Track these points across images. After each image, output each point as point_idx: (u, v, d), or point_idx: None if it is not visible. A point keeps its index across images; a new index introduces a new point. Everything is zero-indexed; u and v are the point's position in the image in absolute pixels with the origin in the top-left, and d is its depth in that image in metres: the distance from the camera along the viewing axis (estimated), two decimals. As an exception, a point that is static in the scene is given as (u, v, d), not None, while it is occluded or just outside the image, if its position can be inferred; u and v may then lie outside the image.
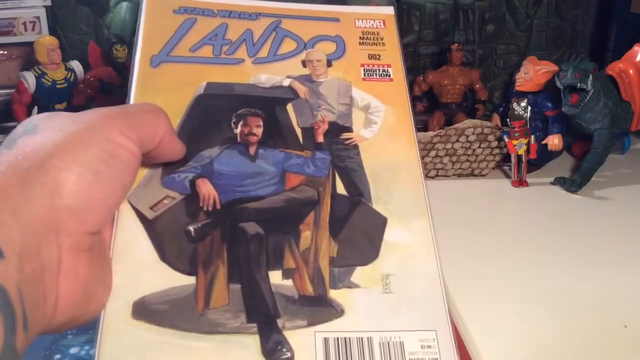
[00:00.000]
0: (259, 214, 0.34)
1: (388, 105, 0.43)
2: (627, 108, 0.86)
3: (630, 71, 0.85)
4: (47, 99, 0.85)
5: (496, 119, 0.97)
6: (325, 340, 0.30)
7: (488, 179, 0.91)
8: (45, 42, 0.83)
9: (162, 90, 0.39)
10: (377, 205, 0.36)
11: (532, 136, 0.88)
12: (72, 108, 0.87)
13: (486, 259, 0.66)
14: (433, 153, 0.88)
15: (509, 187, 0.87)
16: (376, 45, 0.47)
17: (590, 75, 0.83)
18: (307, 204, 0.36)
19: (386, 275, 0.33)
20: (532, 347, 0.50)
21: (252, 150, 0.37)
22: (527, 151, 0.87)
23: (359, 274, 0.33)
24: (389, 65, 0.46)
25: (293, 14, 0.47)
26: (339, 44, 0.47)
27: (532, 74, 0.90)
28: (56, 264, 0.26)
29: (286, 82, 0.43)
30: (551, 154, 0.90)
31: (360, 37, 0.47)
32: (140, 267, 0.31)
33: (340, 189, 0.37)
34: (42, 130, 0.28)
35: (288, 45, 0.46)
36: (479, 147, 0.88)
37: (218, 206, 0.34)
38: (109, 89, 0.87)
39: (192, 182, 0.34)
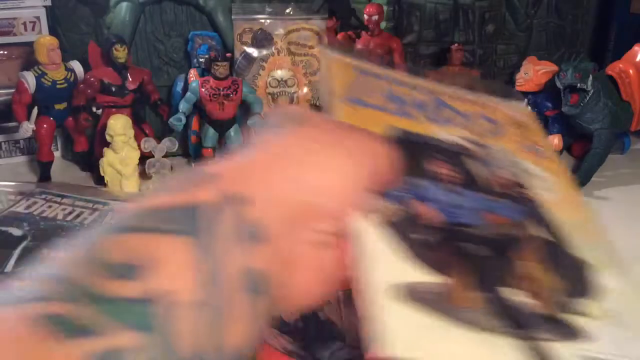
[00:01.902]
0: (476, 239, 0.37)
1: (553, 175, 0.48)
2: (627, 108, 0.86)
3: (630, 71, 0.85)
4: (47, 99, 0.85)
5: (496, 119, 0.97)
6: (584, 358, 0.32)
7: (488, 179, 0.91)
8: (45, 42, 0.83)
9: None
10: (572, 251, 0.40)
11: (532, 136, 0.88)
12: (72, 108, 0.87)
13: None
14: (433, 153, 0.88)
15: (509, 187, 0.87)
16: (527, 131, 0.52)
17: (590, 75, 0.83)
18: (512, 239, 0.39)
19: (608, 309, 0.36)
20: None
21: (451, 187, 0.40)
22: (527, 151, 0.87)
23: (582, 304, 0.36)
24: (542, 146, 0.51)
25: (451, 96, 0.53)
26: (497, 124, 0.52)
27: (532, 74, 0.90)
28: (299, 255, 0.27)
29: (461, 141, 0.48)
30: (551, 154, 0.90)
31: (513, 124, 0.53)
32: (389, 261, 0.33)
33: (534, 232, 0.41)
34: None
35: (451, 114, 0.51)
36: (479, 147, 0.88)
37: (437, 224, 0.36)
38: (109, 89, 0.87)
39: (407, 201, 0.37)
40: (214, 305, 0.24)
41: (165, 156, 0.86)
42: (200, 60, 0.91)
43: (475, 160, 0.46)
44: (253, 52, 0.94)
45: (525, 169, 0.47)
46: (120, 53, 0.86)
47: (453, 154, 0.46)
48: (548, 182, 0.47)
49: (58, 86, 0.85)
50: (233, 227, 0.26)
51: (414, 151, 0.41)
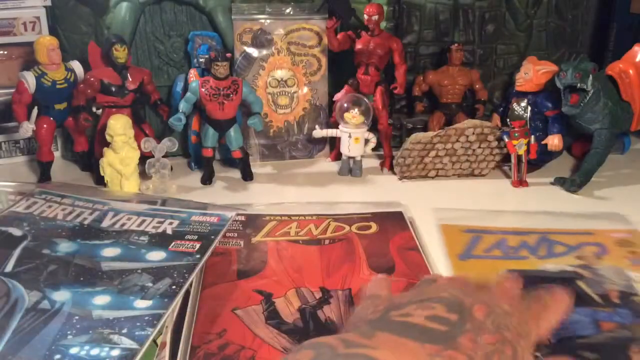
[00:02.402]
0: (591, 347, 0.48)
1: None
2: (627, 108, 0.86)
3: (630, 71, 0.85)
4: (47, 99, 0.85)
5: (496, 119, 0.97)
6: None
7: (488, 179, 0.91)
8: (45, 42, 0.83)
9: (474, 275, 0.58)
10: None
11: (532, 136, 0.88)
12: (72, 108, 0.87)
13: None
14: (433, 153, 0.88)
15: (509, 187, 0.87)
16: (631, 246, 0.66)
17: (590, 75, 0.83)
18: (626, 340, 0.50)
19: None
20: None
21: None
22: (527, 151, 0.87)
23: None
24: None
25: (555, 231, 0.69)
26: (600, 246, 0.66)
27: (532, 74, 0.90)
28: None
29: (570, 268, 0.62)
30: (551, 154, 0.90)
31: (616, 243, 0.67)
32: None
33: None
34: None
35: (560, 248, 0.66)
36: (479, 147, 0.88)
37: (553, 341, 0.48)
38: (109, 89, 0.87)
39: None
40: None
41: (165, 156, 0.86)
42: (200, 60, 0.91)
43: (587, 280, 0.58)
44: (253, 52, 0.94)
45: (635, 279, 0.59)
46: (120, 53, 0.86)
47: (565, 280, 0.58)
48: None
49: (58, 86, 0.85)
50: None
51: (529, 284, 0.50)
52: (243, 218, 0.73)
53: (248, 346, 0.49)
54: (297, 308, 0.55)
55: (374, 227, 0.71)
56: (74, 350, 0.46)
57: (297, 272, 0.61)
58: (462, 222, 0.72)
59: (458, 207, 0.78)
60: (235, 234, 0.69)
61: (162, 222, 0.67)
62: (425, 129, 0.99)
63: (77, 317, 0.50)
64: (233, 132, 0.88)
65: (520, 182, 0.87)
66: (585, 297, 0.56)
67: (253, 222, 0.72)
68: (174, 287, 0.54)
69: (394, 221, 0.72)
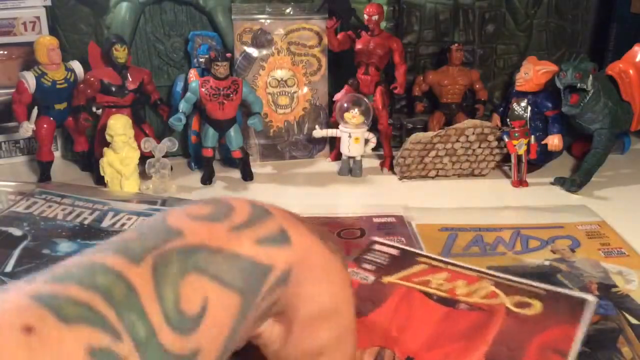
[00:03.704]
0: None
1: (635, 269, 0.60)
2: (627, 108, 0.86)
3: (630, 71, 0.85)
4: (47, 99, 0.85)
5: (496, 119, 0.97)
6: None
7: (488, 179, 0.91)
8: (45, 42, 0.83)
9: None
10: None
11: (532, 136, 0.88)
12: (72, 108, 0.87)
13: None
14: (433, 153, 0.88)
15: (509, 187, 0.87)
16: (601, 238, 0.68)
17: (590, 75, 0.83)
18: (613, 331, 0.50)
19: None
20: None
21: None
22: (527, 151, 0.87)
23: None
24: (621, 248, 0.66)
25: (526, 226, 0.71)
26: (572, 240, 0.67)
27: (532, 74, 0.90)
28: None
29: (547, 262, 0.63)
30: (551, 154, 0.90)
31: (586, 234, 0.69)
32: None
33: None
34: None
35: (534, 243, 0.67)
36: (479, 147, 0.88)
37: None
38: (109, 89, 0.87)
39: None
40: None
41: (165, 156, 0.86)
42: (200, 60, 0.91)
43: (565, 274, 0.59)
44: (253, 52, 0.94)
45: (610, 270, 0.60)
46: (120, 53, 0.86)
47: (545, 275, 0.58)
48: (631, 274, 0.59)
49: (58, 86, 0.85)
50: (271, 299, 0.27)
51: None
52: (393, 251, 0.56)
53: None
54: None
55: (538, 307, 0.49)
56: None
57: (399, 330, 0.47)
58: (437, 221, 0.73)
59: (456, 206, 0.78)
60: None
61: (162, 222, 0.67)
62: (425, 129, 0.99)
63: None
64: (233, 132, 0.88)
65: (520, 182, 0.87)
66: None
67: (403, 258, 0.55)
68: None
69: (567, 308, 0.47)
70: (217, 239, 0.26)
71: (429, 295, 0.51)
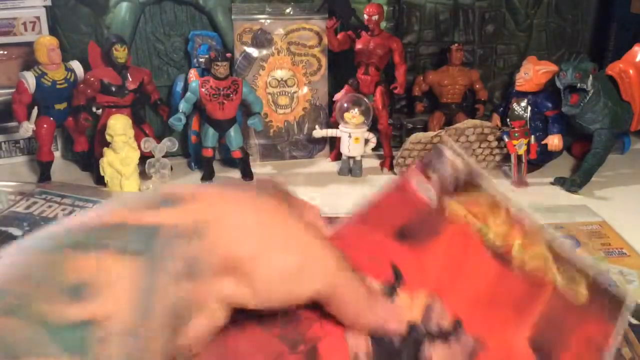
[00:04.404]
0: None
1: (635, 270, 0.61)
2: (627, 108, 0.86)
3: (630, 71, 0.85)
4: (47, 99, 0.85)
5: (496, 119, 0.97)
6: None
7: (488, 179, 0.90)
8: (45, 42, 0.83)
9: None
10: None
11: (532, 136, 0.88)
12: (72, 108, 0.87)
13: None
14: (433, 153, 0.87)
15: (509, 187, 0.87)
16: (601, 238, 0.68)
17: (590, 75, 0.83)
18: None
19: None
20: None
21: None
22: (527, 151, 0.87)
23: None
24: (621, 248, 0.66)
25: None
26: (573, 240, 0.68)
27: (532, 74, 0.90)
28: None
29: None
30: (551, 154, 0.90)
31: (587, 235, 0.69)
32: None
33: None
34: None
35: None
36: (479, 147, 0.88)
37: None
38: (109, 89, 0.87)
39: None
40: (143, 337, 0.23)
41: (165, 156, 0.86)
42: (200, 60, 0.91)
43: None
44: (253, 52, 0.94)
45: (613, 271, 0.60)
46: (120, 53, 0.86)
47: None
48: (632, 274, 0.60)
49: (58, 86, 0.85)
50: (184, 258, 0.26)
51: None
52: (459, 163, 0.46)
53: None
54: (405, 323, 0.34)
55: (584, 295, 0.41)
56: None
57: (451, 279, 0.39)
58: None
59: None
60: None
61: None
62: (425, 129, 0.99)
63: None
64: (233, 132, 0.88)
65: (520, 182, 0.87)
66: None
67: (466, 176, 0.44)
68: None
69: (608, 303, 0.41)
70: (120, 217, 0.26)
71: (487, 245, 0.41)
